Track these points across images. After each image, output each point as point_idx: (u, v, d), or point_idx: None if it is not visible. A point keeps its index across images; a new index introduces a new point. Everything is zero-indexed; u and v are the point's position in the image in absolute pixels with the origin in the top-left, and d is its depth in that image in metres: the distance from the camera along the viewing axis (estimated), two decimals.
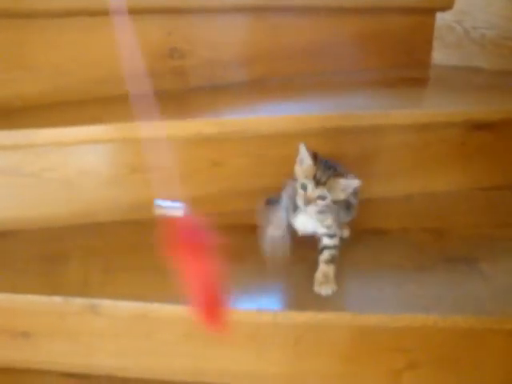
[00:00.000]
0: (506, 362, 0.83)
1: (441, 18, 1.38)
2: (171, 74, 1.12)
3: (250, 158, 1.01)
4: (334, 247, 0.85)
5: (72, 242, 0.94)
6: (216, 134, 0.96)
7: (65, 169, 0.96)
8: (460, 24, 1.38)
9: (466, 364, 0.84)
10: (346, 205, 0.87)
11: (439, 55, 1.40)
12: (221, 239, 0.70)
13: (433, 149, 1.08)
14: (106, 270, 0.87)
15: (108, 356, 0.92)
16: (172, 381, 0.92)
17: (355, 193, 0.89)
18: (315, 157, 0.80)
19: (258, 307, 0.79)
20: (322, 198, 0.79)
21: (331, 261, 0.84)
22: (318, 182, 0.78)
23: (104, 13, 1.02)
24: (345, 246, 0.92)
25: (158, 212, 0.73)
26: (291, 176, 0.84)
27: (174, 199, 0.74)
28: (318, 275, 0.82)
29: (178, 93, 1.11)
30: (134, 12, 1.05)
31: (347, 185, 0.79)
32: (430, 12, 1.38)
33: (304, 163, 0.80)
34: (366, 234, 0.95)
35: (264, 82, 1.20)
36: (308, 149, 0.81)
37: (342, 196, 0.80)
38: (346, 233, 0.94)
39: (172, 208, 0.73)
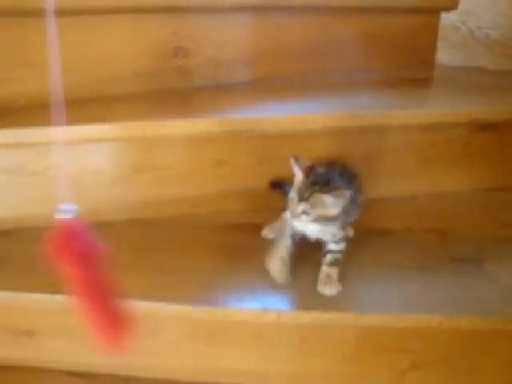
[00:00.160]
0: (511, 364, 0.83)
1: (446, 17, 1.38)
2: (175, 73, 1.12)
3: (254, 158, 1.00)
4: (339, 252, 0.84)
5: None
6: (220, 133, 0.95)
7: (70, 168, 0.96)
8: (465, 24, 1.38)
9: (470, 365, 0.84)
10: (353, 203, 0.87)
11: (444, 55, 1.40)
12: (107, 248, 0.67)
13: (437, 149, 1.08)
14: (109, 268, 0.87)
15: (110, 355, 0.92)
16: (175, 380, 0.92)
17: (359, 189, 0.90)
18: (310, 169, 0.78)
19: (262, 307, 0.79)
20: (306, 213, 0.77)
21: (334, 263, 0.83)
22: (301, 198, 0.76)
23: (108, 11, 1.03)
24: (349, 245, 0.92)
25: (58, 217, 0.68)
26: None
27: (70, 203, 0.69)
28: (321, 276, 0.82)
29: (182, 92, 1.11)
30: (138, 11, 1.07)
31: (331, 202, 0.76)
32: (435, 12, 1.38)
33: (296, 177, 0.80)
34: (370, 234, 0.95)
35: (268, 82, 1.19)
36: (304, 161, 0.79)
37: (331, 212, 0.77)
38: (350, 232, 0.94)
39: (66, 212, 0.69)
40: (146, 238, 0.96)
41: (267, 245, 0.90)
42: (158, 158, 0.98)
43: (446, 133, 1.07)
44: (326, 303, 0.80)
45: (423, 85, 1.29)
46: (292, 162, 0.79)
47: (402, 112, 1.04)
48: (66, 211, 0.69)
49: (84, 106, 0.98)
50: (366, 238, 0.94)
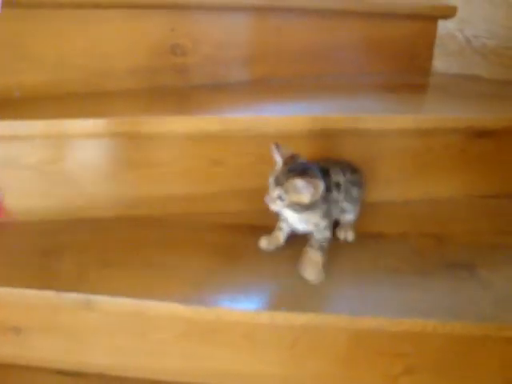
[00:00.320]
0: (505, 370, 0.82)
1: (443, 25, 1.39)
2: (173, 71, 1.12)
3: (251, 158, 1.00)
4: (324, 239, 0.85)
5: (68, 236, 0.93)
6: (217, 132, 0.95)
7: (64, 162, 0.95)
8: (462, 32, 1.39)
9: (464, 371, 0.84)
10: (350, 198, 0.89)
11: (440, 63, 1.41)
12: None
13: (433, 155, 1.08)
14: (101, 265, 0.86)
15: (101, 354, 0.91)
16: (166, 381, 0.90)
17: (359, 186, 0.91)
18: (291, 158, 0.81)
19: (255, 308, 0.78)
20: (281, 198, 0.79)
21: (318, 248, 0.84)
22: (277, 183, 0.80)
23: (108, 6, 1.03)
24: (344, 248, 0.92)
25: None
26: None
27: None
28: (304, 259, 0.84)
29: (179, 89, 1.11)
30: (137, 7, 1.06)
31: (302, 187, 0.78)
32: (432, 19, 1.39)
33: (276, 164, 0.82)
34: (365, 238, 0.95)
35: (266, 82, 1.19)
36: (285, 150, 0.82)
37: (303, 198, 0.79)
38: (350, 235, 0.94)
39: None
40: (139, 236, 0.94)
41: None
42: (153, 155, 0.97)
43: (443, 139, 1.08)
44: (320, 305, 0.79)
45: (420, 91, 1.30)
46: (273, 149, 0.82)
47: (400, 116, 1.04)
48: None
49: (80, 101, 0.97)
50: (362, 241, 0.94)
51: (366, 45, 1.31)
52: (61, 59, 1.00)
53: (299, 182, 0.78)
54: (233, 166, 1.00)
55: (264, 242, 0.90)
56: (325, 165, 0.88)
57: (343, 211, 0.91)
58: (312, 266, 0.84)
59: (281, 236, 0.90)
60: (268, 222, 0.92)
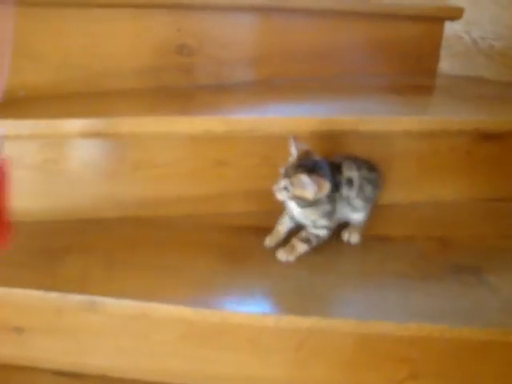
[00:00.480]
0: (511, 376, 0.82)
1: (449, 27, 1.38)
2: (178, 71, 1.11)
3: (256, 159, 0.99)
4: (315, 235, 0.87)
5: (72, 236, 0.92)
6: (222, 133, 0.94)
7: (68, 162, 0.94)
8: (468, 34, 1.38)
9: (470, 376, 0.83)
10: (363, 195, 0.90)
11: (447, 64, 1.40)
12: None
13: (439, 157, 1.08)
14: (106, 266, 0.85)
15: (103, 355, 0.90)
16: (167, 383, 0.90)
17: (374, 186, 0.91)
18: (305, 154, 0.84)
19: (261, 311, 0.78)
20: (287, 189, 0.82)
21: (304, 240, 0.87)
22: (285, 174, 0.82)
23: (113, 5, 1.02)
24: (350, 251, 0.92)
25: None
26: None
27: None
28: (287, 245, 0.87)
29: (184, 90, 1.10)
30: (143, 6, 1.05)
31: (307, 183, 0.80)
32: (439, 21, 1.38)
33: (291, 156, 0.85)
34: (371, 241, 0.94)
35: (272, 83, 1.19)
36: (302, 145, 0.85)
37: (307, 194, 0.82)
38: (354, 238, 0.93)
39: None
40: (143, 237, 0.94)
41: (268, 247, 0.89)
42: (157, 155, 0.97)
43: (449, 141, 1.07)
44: (325, 309, 0.79)
45: (426, 92, 1.29)
46: (291, 142, 0.85)
47: (406, 118, 1.03)
48: None
49: (84, 100, 0.97)
50: (367, 244, 0.93)
51: (371, 46, 1.30)
52: (65, 58, 1.00)
53: (305, 178, 0.80)
54: (238, 167, 0.99)
55: (267, 240, 0.91)
56: (338, 159, 0.89)
57: (354, 209, 0.91)
58: (288, 248, 0.87)
59: (281, 230, 0.91)
60: (273, 223, 0.92)
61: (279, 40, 1.19)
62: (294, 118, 0.97)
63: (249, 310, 0.79)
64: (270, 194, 0.87)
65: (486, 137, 1.07)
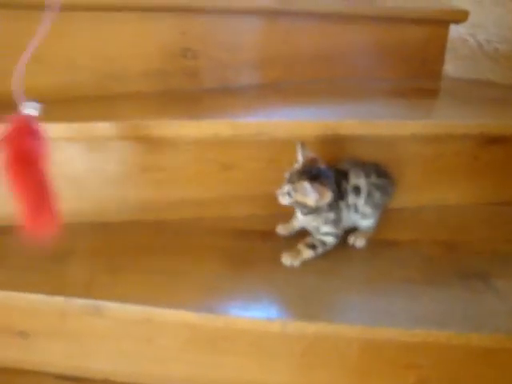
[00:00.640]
0: None
1: (455, 30, 1.37)
2: (184, 74, 1.10)
3: (262, 162, 0.99)
4: (319, 241, 0.88)
5: (77, 240, 0.91)
6: (228, 137, 0.94)
7: (71, 165, 0.94)
8: (473, 37, 1.37)
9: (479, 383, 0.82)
10: (372, 202, 0.90)
11: (452, 67, 1.39)
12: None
13: (445, 161, 1.07)
14: (110, 271, 0.85)
15: (107, 359, 0.90)
16: None
17: (383, 192, 0.91)
18: (311, 161, 0.85)
19: (267, 316, 0.77)
20: (289, 194, 0.84)
21: (309, 246, 0.87)
22: (289, 180, 0.84)
23: (119, 9, 1.02)
24: (356, 256, 0.91)
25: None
26: None
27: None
28: (292, 250, 0.87)
29: (190, 93, 1.09)
30: (148, 9, 1.05)
31: (308, 191, 0.82)
32: (444, 24, 1.37)
33: (297, 162, 0.86)
34: (376, 245, 0.93)
35: (277, 86, 1.18)
36: (308, 151, 0.86)
37: (309, 202, 0.83)
38: (359, 242, 0.93)
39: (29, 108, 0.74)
40: (149, 241, 0.93)
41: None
42: (163, 158, 0.96)
43: (454, 145, 1.06)
44: (331, 314, 0.78)
45: (431, 96, 1.29)
46: (298, 147, 0.86)
47: (411, 122, 1.02)
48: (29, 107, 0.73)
49: (91, 104, 0.96)
50: (373, 249, 0.93)
51: (376, 49, 1.30)
52: (72, 62, 0.99)
53: (307, 186, 0.82)
54: (244, 171, 0.99)
55: (280, 228, 0.94)
56: (345, 166, 0.90)
57: (363, 216, 0.91)
58: (293, 253, 0.87)
59: (295, 225, 0.93)
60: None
61: (284, 43, 1.19)
62: (300, 122, 0.96)
63: (253, 314, 0.78)
64: (275, 198, 0.86)
65: (492, 140, 1.07)
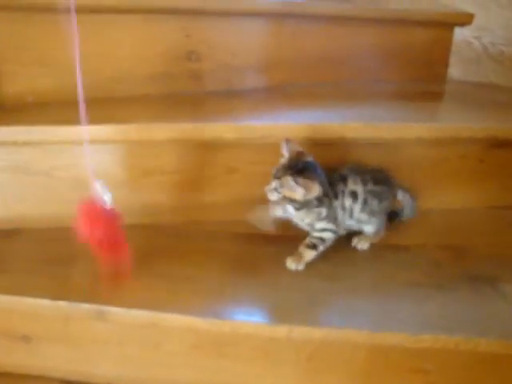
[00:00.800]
0: None
1: (459, 33, 1.37)
2: (188, 77, 1.10)
3: (267, 166, 0.97)
4: (318, 238, 0.87)
5: (80, 244, 0.90)
6: (233, 140, 0.93)
7: (76, 168, 0.93)
8: (478, 40, 1.37)
9: None
10: (369, 209, 0.89)
11: (456, 70, 1.39)
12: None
13: (451, 165, 1.06)
14: (114, 275, 0.84)
15: (111, 365, 0.89)
16: None
17: (381, 199, 0.90)
18: (298, 154, 0.84)
19: (273, 321, 0.76)
20: (276, 190, 0.83)
21: (309, 246, 0.86)
22: (275, 176, 0.83)
23: (122, 11, 1.01)
24: (362, 260, 0.90)
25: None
26: None
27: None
28: (294, 254, 0.87)
29: (194, 96, 1.09)
30: (153, 12, 1.05)
31: (293, 186, 0.81)
32: (449, 26, 1.37)
33: (283, 157, 0.85)
34: (382, 249, 0.93)
35: (282, 89, 1.18)
36: (294, 145, 0.85)
37: (297, 196, 0.82)
38: (361, 245, 0.92)
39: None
40: (153, 245, 0.93)
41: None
42: (167, 161, 0.96)
43: (460, 149, 1.06)
44: (338, 319, 0.78)
45: (436, 99, 1.28)
46: (283, 144, 0.85)
47: (415, 125, 1.02)
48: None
49: (94, 106, 0.96)
50: (379, 253, 0.92)
51: (381, 52, 1.29)
52: (74, 64, 0.99)
53: (290, 181, 0.81)
54: (248, 174, 0.98)
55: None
56: (345, 172, 0.89)
57: (358, 221, 0.90)
58: (295, 257, 0.86)
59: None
60: (284, 232, 0.91)
61: (289, 46, 1.19)
62: (305, 125, 0.96)
63: (259, 319, 0.78)
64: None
65: (497, 144, 1.06)
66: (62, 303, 0.78)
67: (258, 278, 0.85)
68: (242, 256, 0.90)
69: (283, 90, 1.18)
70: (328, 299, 0.81)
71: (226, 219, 0.99)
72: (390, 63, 1.32)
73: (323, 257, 0.87)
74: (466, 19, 1.35)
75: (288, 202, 0.84)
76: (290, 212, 0.86)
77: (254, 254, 0.91)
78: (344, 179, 0.88)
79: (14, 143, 0.90)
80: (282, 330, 0.76)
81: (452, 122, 1.06)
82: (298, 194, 0.82)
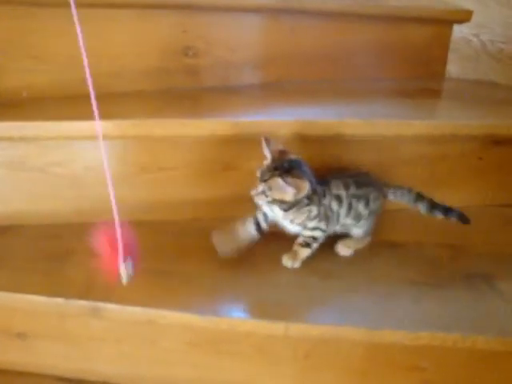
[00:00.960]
0: None
1: (458, 30, 1.36)
2: (185, 73, 1.10)
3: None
4: (310, 237, 0.85)
5: (76, 240, 0.90)
6: (229, 136, 0.93)
7: (71, 164, 0.92)
8: (477, 37, 1.36)
9: None
10: (354, 213, 0.87)
11: (455, 68, 1.39)
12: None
13: (449, 162, 1.06)
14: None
15: (107, 362, 0.89)
16: None
17: (367, 201, 0.88)
18: (281, 153, 0.81)
19: (270, 318, 0.76)
20: (265, 194, 0.80)
21: (303, 245, 0.85)
22: (261, 179, 0.80)
23: (120, 6, 1.01)
24: (359, 258, 0.90)
25: None
26: None
27: None
28: (290, 252, 0.86)
29: (191, 92, 1.09)
30: (149, 7, 1.04)
31: (283, 186, 0.78)
32: (448, 24, 1.36)
33: (266, 158, 0.82)
34: (380, 247, 0.92)
35: (279, 86, 1.17)
36: (275, 145, 0.82)
37: (287, 197, 0.79)
38: (343, 251, 0.91)
39: None
40: (149, 242, 0.91)
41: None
42: (164, 158, 0.95)
43: (459, 146, 1.06)
44: (335, 316, 0.77)
45: (434, 96, 1.28)
46: (263, 143, 0.82)
47: (414, 122, 1.01)
48: None
49: (90, 102, 0.95)
50: (377, 250, 0.92)
51: (379, 49, 1.29)
52: (70, 59, 0.98)
53: (280, 182, 0.78)
54: (245, 171, 0.97)
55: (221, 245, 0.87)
56: (328, 178, 0.87)
57: (343, 227, 0.89)
58: (293, 258, 0.85)
59: (244, 238, 0.87)
60: (282, 229, 0.90)
61: (287, 42, 1.18)
62: (302, 122, 0.95)
63: (257, 317, 0.77)
64: None
65: (496, 141, 1.06)
66: (57, 300, 0.78)
67: (255, 275, 0.85)
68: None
69: (281, 86, 1.17)
70: (325, 297, 0.81)
71: (224, 215, 0.98)
72: (389, 60, 1.31)
73: (320, 254, 0.87)
74: (464, 16, 1.34)
75: (277, 205, 0.81)
76: (277, 213, 0.84)
77: (251, 251, 0.90)
78: (327, 183, 0.86)
79: (9, 139, 0.90)
80: (279, 328, 0.76)
81: (450, 120, 1.06)
82: (289, 194, 0.79)
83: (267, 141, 0.82)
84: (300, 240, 0.86)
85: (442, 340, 0.74)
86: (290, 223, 0.85)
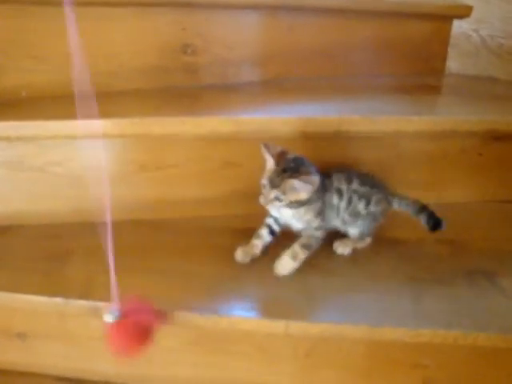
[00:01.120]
0: None
1: (458, 25, 1.36)
2: (183, 71, 1.09)
3: (263, 160, 0.97)
4: (312, 236, 0.84)
5: (76, 240, 0.90)
6: (230, 133, 0.92)
7: (71, 164, 0.92)
8: (477, 32, 1.36)
9: None
10: (353, 211, 0.86)
11: (455, 63, 1.38)
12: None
13: (449, 158, 1.06)
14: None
15: (107, 361, 0.89)
16: None
17: (368, 201, 0.87)
18: (281, 155, 0.80)
19: (270, 316, 0.76)
20: (278, 199, 0.79)
21: (304, 246, 0.83)
22: (273, 185, 0.79)
23: (118, 4, 1.00)
24: (359, 255, 0.90)
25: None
26: None
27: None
28: (288, 253, 0.83)
29: (190, 89, 1.08)
30: (148, 5, 1.04)
31: (300, 186, 0.78)
32: (447, 19, 1.36)
33: (267, 163, 0.81)
34: (381, 244, 0.92)
35: (278, 83, 1.17)
36: (274, 148, 0.81)
37: (302, 196, 0.79)
38: (341, 250, 0.90)
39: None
40: (149, 241, 0.92)
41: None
42: (163, 156, 0.95)
43: (459, 142, 1.05)
44: (336, 314, 0.77)
45: (434, 92, 1.27)
46: (263, 149, 0.81)
47: (414, 118, 1.01)
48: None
49: (89, 101, 0.95)
50: (377, 247, 0.91)
51: (379, 45, 1.28)
52: (68, 58, 0.98)
53: (296, 183, 0.78)
54: (246, 168, 0.97)
55: (239, 255, 0.86)
56: (330, 172, 0.87)
57: (344, 223, 0.88)
58: (291, 254, 0.83)
59: (258, 244, 0.87)
60: (282, 228, 0.90)
61: (286, 39, 1.18)
62: (302, 119, 0.95)
63: (257, 315, 0.77)
64: None
65: (496, 137, 1.06)
66: (57, 300, 0.78)
67: (256, 273, 0.84)
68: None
69: (279, 83, 1.17)
70: (325, 294, 0.80)
71: (224, 213, 0.98)
72: (388, 56, 1.31)
73: (321, 252, 0.86)
74: (464, 11, 1.34)
75: (291, 206, 0.80)
76: (285, 214, 0.83)
77: None
78: (329, 175, 0.86)
79: (7, 138, 0.89)
80: (279, 326, 0.76)
81: (450, 116, 1.05)
82: (304, 192, 0.79)
83: (267, 146, 0.81)
84: (303, 241, 0.84)
85: (443, 337, 0.74)
86: (297, 221, 0.84)
